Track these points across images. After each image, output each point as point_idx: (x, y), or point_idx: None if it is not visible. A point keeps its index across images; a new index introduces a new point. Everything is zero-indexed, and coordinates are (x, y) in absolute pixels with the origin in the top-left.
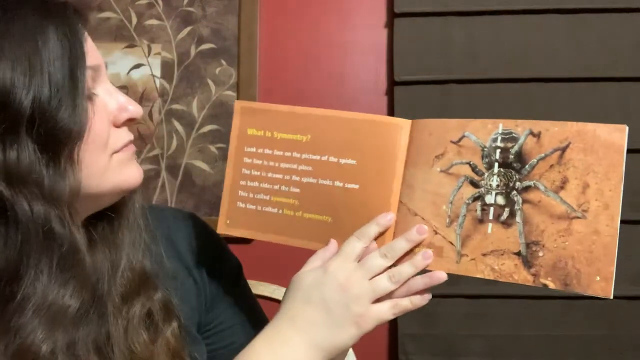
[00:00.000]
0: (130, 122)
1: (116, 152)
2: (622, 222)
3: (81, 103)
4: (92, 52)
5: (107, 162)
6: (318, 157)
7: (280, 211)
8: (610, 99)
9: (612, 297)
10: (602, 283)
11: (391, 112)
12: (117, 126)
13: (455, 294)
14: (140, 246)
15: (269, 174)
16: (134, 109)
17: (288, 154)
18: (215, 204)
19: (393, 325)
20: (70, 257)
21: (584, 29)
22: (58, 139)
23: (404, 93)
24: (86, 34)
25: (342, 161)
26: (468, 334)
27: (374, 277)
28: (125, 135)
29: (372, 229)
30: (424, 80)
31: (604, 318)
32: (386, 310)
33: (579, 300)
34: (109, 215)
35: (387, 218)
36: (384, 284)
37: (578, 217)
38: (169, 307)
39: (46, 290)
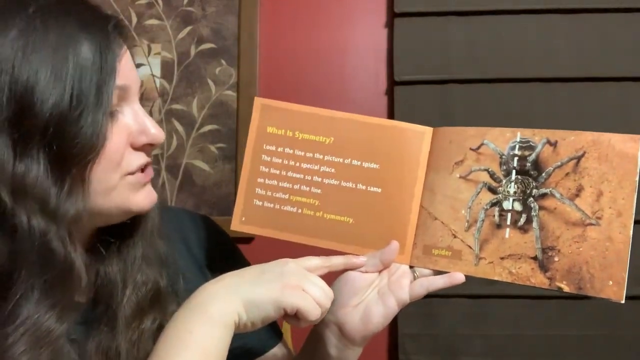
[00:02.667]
0: (149, 147)
1: (130, 174)
2: None
3: (102, 120)
4: (126, 71)
5: (117, 182)
6: (341, 160)
7: (300, 210)
8: (610, 99)
9: (623, 301)
10: (614, 287)
11: (391, 112)
12: (135, 148)
13: (455, 294)
14: (155, 261)
15: (289, 173)
16: (155, 134)
17: (310, 154)
18: (215, 203)
19: (393, 325)
20: (63, 277)
21: (584, 29)
22: (71, 154)
23: (404, 93)
24: (127, 52)
25: (365, 165)
26: (468, 334)
27: None
28: (140, 158)
29: (341, 262)
30: (424, 80)
31: (604, 318)
32: (308, 300)
33: (579, 300)
34: (126, 230)
35: (360, 260)
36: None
37: (592, 224)
38: None
39: (34, 309)
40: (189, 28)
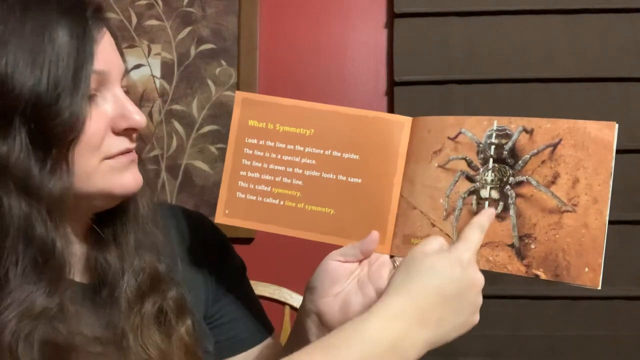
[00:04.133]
0: (132, 132)
1: (109, 158)
2: (622, 222)
3: (79, 104)
4: (105, 55)
5: (96, 166)
6: (321, 151)
7: (282, 202)
8: (610, 99)
9: (599, 287)
10: (590, 274)
11: (391, 112)
12: (117, 133)
13: None
14: (152, 247)
15: (271, 166)
16: (137, 119)
17: (291, 146)
18: (215, 204)
19: None
20: (44, 255)
21: (584, 29)
22: (50, 136)
23: (403, 93)
24: (108, 37)
25: (346, 156)
26: (468, 334)
27: None
28: (122, 143)
29: (487, 221)
30: (424, 81)
31: (604, 318)
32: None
33: (579, 300)
34: (120, 216)
35: (490, 213)
36: None
37: (568, 211)
38: (182, 305)
39: (20, 284)
40: (188, 29)
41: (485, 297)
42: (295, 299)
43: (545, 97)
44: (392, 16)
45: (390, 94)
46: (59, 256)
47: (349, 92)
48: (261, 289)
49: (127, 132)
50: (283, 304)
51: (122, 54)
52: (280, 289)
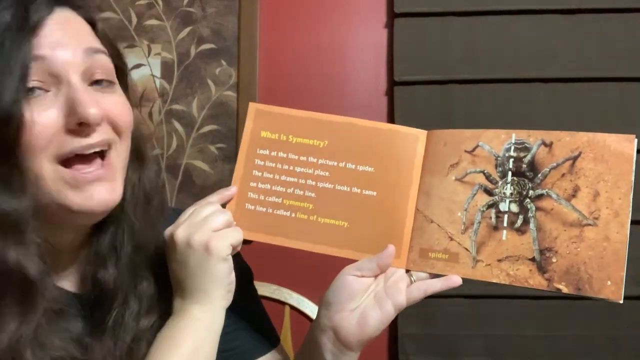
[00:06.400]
0: (86, 127)
1: (62, 160)
2: None
3: (16, 98)
4: (50, 39)
5: (47, 169)
6: (335, 163)
7: (293, 214)
8: (610, 99)
9: (622, 302)
10: (612, 287)
11: (391, 112)
12: (70, 130)
13: (455, 294)
14: (152, 264)
15: (282, 177)
16: (84, 112)
17: (304, 158)
18: None
19: (393, 325)
20: (17, 286)
21: (584, 29)
22: None
23: (403, 93)
24: (59, 18)
25: (360, 168)
26: (468, 334)
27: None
28: (74, 141)
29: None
30: (423, 81)
31: (604, 318)
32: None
33: (579, 300)
34: (116, 228)
35: (229, 192)
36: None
37: (589, 225)
38: None
39: None
40: (189, 28)
41: (485, 297)
42: (295, 299)
43: (545, 96)
44: (392, 16)
45: (390, 94)
46: (30, 282)
47: (349, 92)
48: (262, 289)
49: (81, 130)
50: (283, 304)
51: (110, 44)
52: (280, 289)
